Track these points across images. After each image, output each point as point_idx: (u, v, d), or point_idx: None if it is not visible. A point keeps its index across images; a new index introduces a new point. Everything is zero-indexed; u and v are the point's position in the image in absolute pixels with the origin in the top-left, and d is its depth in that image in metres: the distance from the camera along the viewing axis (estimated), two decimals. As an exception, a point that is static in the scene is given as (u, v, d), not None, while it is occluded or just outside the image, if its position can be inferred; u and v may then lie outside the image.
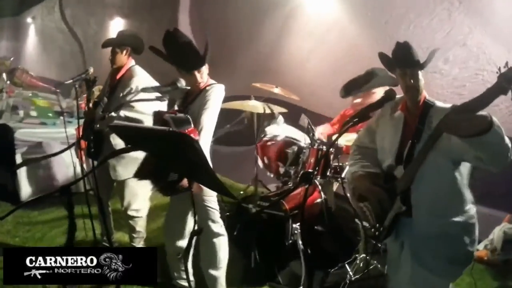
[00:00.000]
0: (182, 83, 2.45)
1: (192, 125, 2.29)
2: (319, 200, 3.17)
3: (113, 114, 2.65)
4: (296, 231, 2.90)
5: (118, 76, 3.02)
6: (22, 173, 4.41)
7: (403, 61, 1.89)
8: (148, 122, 2.76)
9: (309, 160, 3.12)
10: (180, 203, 2.58)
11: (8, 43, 12.43)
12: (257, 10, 5.21)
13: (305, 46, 4.83)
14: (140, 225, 3.14)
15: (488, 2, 3.38)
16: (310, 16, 4.66)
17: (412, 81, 1.88)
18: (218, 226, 2.59)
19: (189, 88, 2.58)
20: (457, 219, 1.86)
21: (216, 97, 2.47)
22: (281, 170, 3.16)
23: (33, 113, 5.19)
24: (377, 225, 2.03)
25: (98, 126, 2.54)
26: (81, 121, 3.01)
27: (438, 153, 1.76)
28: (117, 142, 2.82)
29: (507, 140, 1.56)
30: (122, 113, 2.70)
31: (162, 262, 2.69)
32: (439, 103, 1.92)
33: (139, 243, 3.17)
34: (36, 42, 11.07)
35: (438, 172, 1.83)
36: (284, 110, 3.62)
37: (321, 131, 3.33)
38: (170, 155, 1.65)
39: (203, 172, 1.57)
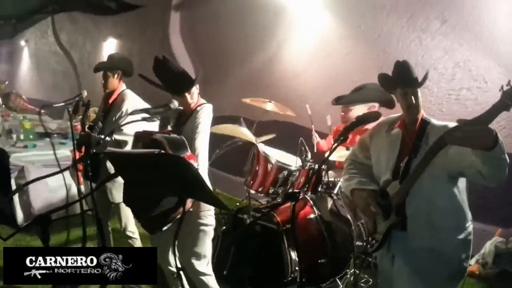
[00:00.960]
0: (175, 104, 2.47)
1: (189, 150, 2.29)
2: (312, 216, 3.22)
3: (107, 138, 2.69)
4: (297, 268, 2.91)
5: (110, 100, 3.06)
6: (16, 198, 4.38)
7: (404, 81, 1.94)
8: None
9: (299, 180, 3.23)
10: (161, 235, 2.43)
11: (1, 66, 12.53)
12: (251, 28, 5.30)
13: (299, 62, 4.90)
14: (138, 245, 3.18)
15: (472, 21, 3.48)
16: (303, 33, 4.77)
17: (413, 100, 1.94)
18: (203, 264, 2.49)
19: (182, 108, 2.59)
20: (456, 235, 1.90)
21: (205, 119, 2.50)
22: (271, 190, 3.28)
23: (21, 137, 5.19)
24: (369, 239, 2.08)
25: (94, 150, 2.57)
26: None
27: (435, 168, 1.82)
28: (110, 166, 2.77)
29: (506, 155, 1.61)
30: (113, 137, 2.75)
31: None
32: (434, 121, 1.99)
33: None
34: (30, 64, 11.19)
35: (435, 186, 1.88)
36: (273, 135, 3.63)
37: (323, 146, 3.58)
38: (164, 179, 1.66)
39: (199, 191, 1.60)
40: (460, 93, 3.63)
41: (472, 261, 3.39)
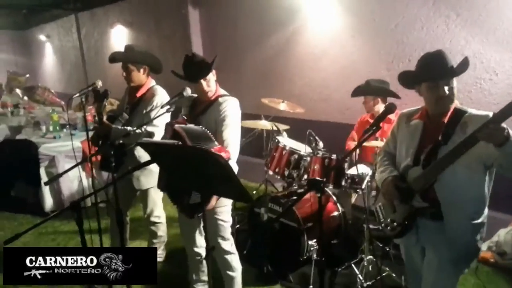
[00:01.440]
0: (188, 91, 2.54)
1: (215, 142, 2.32)
2: (336, 213, 3.40)
3: (138, 130, 2.74)
4: (312, 248, 3.09)
5: (138, 94, 3.10)
6: (45, 186, 4.65)
7: (437, 73, 1.91)
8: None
9: (312, 167, 3.35)
10: (189, 220, 2.63)
11: (17, 58, 12.64)
12: (265, 27, 5.46)
13: (313, 54, 5.03)
14: (162, 230, 3.33)
15: (486, 13, 3.54)
16: (317, 26, 4.88)
17: (447, 91, 1.91)
18: (228, 244, 2.66)
19: (195, 95, 2.65)
20: (479, 220, 1.94)
21: (234, 113, 2.53)
22: (286, 172, 3.45)
23: (51, 128, 5.41)
24: (389, 221, 2.12)
25: (121, 141, 2.65)
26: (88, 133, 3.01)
27: (473, 158, 1.81)
28: (141, 154, 2.99)
29: None
30: (144, 128, 2.82)
31: (180, 266, 2.82)
32: (472, 110, 1.95)
33: (160, 248, 3.36)
34: (54, 60, 11.42)
35: (471, 176, 1.89)
36: (287, 127, 4.05)
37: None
38: (193, 171, 1.74)
39: (227, 184, 1.66)
40: (482, 83, 3.70)
41: (484, 247, 3.41)
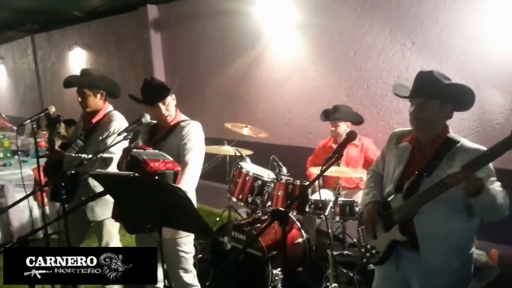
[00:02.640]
0: (147, 118, 2.47)
1: (169, 158, 2.23)
2: (300, 240, 3.36)
3: (92, 157, 2.60)
4: (277, 277, 3.02)
5: (94, 120, 2.98)
6: (-7, 217, 4.36)
7: (413, 92, 1.88)
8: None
9: (276, 193, 3.34)
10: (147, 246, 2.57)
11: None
12: (228, 52, 5.47)
13: (273, 83, 5.08)
14: None
15: (439, 42, 3.71)
16: (279, 52, 4.94)
17: (418, 112, 1.85)
18: (191, 276, 2.58)
19: (154, 122, 2.60)
20: (461, 259, 1.89)
21: (197, 137, 2.48)
22: (249, 199, 3.43)
23: (1, 155, 5.11)
24: (370, 248, 2.06)
25: (73, 171, 2.51)
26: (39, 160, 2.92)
27: (457, 196, 1.71)
28: (96, 184, 2.83)
29: (500, 200, 1.65)
30: (100, 156, 2.64)
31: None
32: (466, 141, 1.85)
33: (116, 283, 3.15)
34: (8, 83, 10.94)
35: (455, 216, 1.81)
36: (250, 152, 4.09)
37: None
38: (150, 203, 1.69)
39: (186, 217, 1.61)
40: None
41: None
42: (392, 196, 1.97)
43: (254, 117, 5.30)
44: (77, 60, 8.09)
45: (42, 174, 4.29)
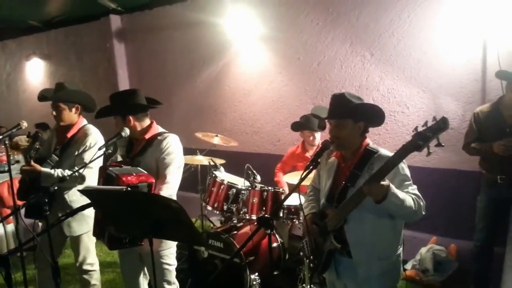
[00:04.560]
0: (126, 131, 2.46)
1: (144, 172, 2.29)
2: (275, 244, 3.47)
3: (73, 173, 2.61)
4: (255, 282, 3.12)
5: (69, 134, 2.96)
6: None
7: (329, 114, 2.09)
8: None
9: (251, 200, 3.45)
10: (130, 260, 2.62)
11: None
12: (195, 62, 5.56)
13: (240, 93, 5.22)
14: (96, 278, 3.11)
15: (396, 54, 4.00)
16: (247, 63, 5.09)
17: (334, 131, 2.05)
18: None
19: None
20: (390, 260, 2.06)
21: (176, 149, 2.50)
22: (225, 207, 3.52)
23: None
24: (313, 258, 2.21)
25: (56, 187, 2.48)
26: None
27: (378, 205, 1.84)
28: (72, 199, 2.87)
29: (408, 203, 1.84)
30: (77, 171, 2.66)
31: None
32: (383, 151, 2.03)
33: (93, 298, 3.14)
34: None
35: (379, 221, 1.98)
36: (223, 161, 4.23)
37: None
38: (141, 216, 1.75)
39: (179, 228, 1.68)
40: (396, 116, 4.11)
41: (408, 266, 3.71)
42: (326, 208, 2.13)
43: (222, 126, 5.41)
44: (35, 70, 7.83)
45: (9, 191, 4.21)
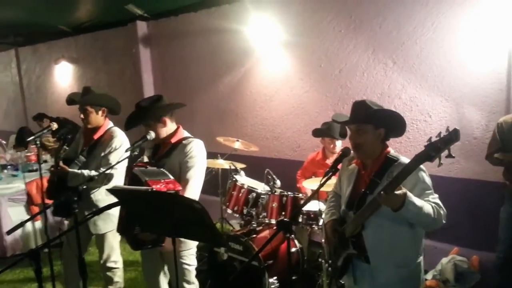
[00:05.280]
0: (151, 134, 2.56)
1: (171, 177, 2.35)
2: (294, 249, 3.49)
3: (101, 173, 2.71)
4: (273, 285, 3.15)
5: (96, 136, 3.08)
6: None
7: (349, 119, 2.11)
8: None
9: (271, 205, 3.51)
10: (152, 259, 2.71)
11: None
12: (217, 68, 5.65)
13: (262, 98, 5.28)
14: (119, 276, 3.21)
15: (419, 62, 3.98)
16: (268, 69, 5.15)
17: (354, 137, 2.07)
18: None
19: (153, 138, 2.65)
20: (409, 268, 2.05)
21: (198, 154, 2.57)
22: (244, 210, 3.61)
23: (-11, 169, 5.11)
24: (331, 263, 2.25)
25: (84, 186, 2.59)
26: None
27: (397, 213, 1.84)
28: (98, 198, 2.98)
29: (427, 211, 1.84)
30: (103, 171, 2.75)
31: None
32: (403, 159, 2.03)
33: (115, 294, 3.24)
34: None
35: (397, 229, 1.98)
36: (244, 165, 4.30)
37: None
38: (166, 216, 1.82)
39: (201, 228, 1.73)
40: (418, 124, 4.08)
41: (429, 276, 3.67)
42: (346, 214, 2.15)
43: (243, 131, 5.48)
44: (63, 73, 8.11)
45: (38, 189, 4.37)
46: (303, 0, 4.69)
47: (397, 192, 1.76)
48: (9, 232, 2.04)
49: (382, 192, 1.78)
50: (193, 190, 2.51)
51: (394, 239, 2.01)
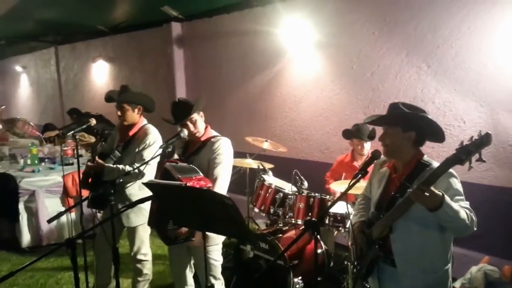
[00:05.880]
0: (185, 133, 2.67)
1: (200, 173, 2.45)
2: (319, 251, 3.50)
3: (136, 168, 2.82)
4: (298, 285, 3.17)
5: (131, 133, 3.21)
6: (23, 221, 4.60)
7: (376, 120, 2.12)
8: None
9: (297, 205, 3.53)
10: (179, 254, 2.79)
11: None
12: (248, 69, 5.73)
13: (291, 100, 5.31)
14: (148, 268, 3.32)
15: (454, 66, 3.91)
16: (299, 70, 5.18)
17: (385, 139, 2.08)
18: (219, 284, 2.76)
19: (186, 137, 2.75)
20: (436, 274, 2.02)
21: (226, 151, 2.66)
22: (271, 210, 3.67)
23: (29, 161, 5.36)
24: (357, 264, 2.24)
25: (120, 180, 2.72)
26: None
27: (427, 216, 1.84)
28: (131, 192, 3.10)
29: (462, 216, 1.81)
30: (137, 167, 2.87)
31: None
32: (436, 164, 1.99)
33: (144, 286, 3.35)
34: (30, 92, 11.27)
35: (426, 233, 1.97)
36: (272, 165, 4.34)
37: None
38: (197, 210, 1.88)
39: (231, 224, 1.79)
40: (452, 130, 4.01)
41: (457, 284, 3.58)
42: (374, 216, 2.15)
43: (272, 132, 5.52)
44: (100, 71, 8.41)
45: (74, 182, 4.57)
46: (337, 0, 4.70)
47: (436, 191, 1.75)
48: (50, 221, 2.16)
49: (416, 187, 1.77)
50: (221, 186, 2.60)
51: (422, 244, 1.99)
